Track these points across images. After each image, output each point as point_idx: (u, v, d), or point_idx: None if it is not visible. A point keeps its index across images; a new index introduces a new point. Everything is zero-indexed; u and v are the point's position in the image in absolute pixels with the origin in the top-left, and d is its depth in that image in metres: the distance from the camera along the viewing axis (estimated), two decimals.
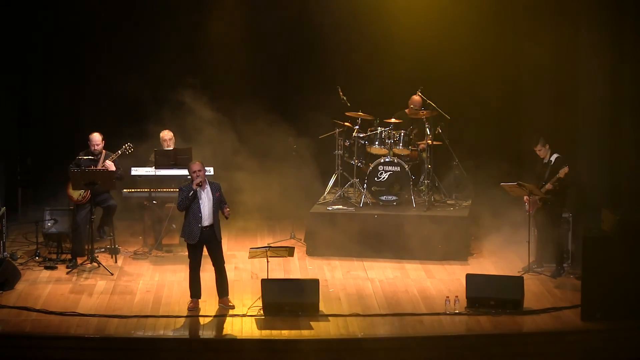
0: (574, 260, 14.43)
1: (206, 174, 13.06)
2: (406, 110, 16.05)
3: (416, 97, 15.94)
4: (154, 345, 12.07)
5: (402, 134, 15.65)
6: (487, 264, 14.79)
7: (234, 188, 15.11)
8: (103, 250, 15.18)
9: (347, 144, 15.96)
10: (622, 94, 14.82)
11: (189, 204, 12.73)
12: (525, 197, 14.18)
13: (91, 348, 12.02)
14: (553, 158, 14.06)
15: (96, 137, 14.71)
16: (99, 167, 14.54)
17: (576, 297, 12.86)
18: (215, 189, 12.88)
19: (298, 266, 14.79)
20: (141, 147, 15.35)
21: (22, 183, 17.34)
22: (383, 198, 15.58)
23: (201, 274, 13.02)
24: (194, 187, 12.69)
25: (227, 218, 13.02)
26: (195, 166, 12.79)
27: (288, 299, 12.70)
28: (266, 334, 12.26)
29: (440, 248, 14.97)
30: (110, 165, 14.53)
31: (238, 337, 12.18)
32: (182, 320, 12.59)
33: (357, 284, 13.98)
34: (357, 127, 15.86)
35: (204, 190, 12.80)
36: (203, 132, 15.97)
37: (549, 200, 13.99)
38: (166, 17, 16.84)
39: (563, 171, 13.76)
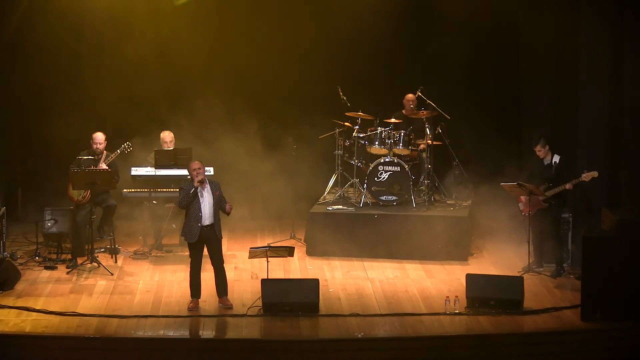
0: (574, 260, 14.43)
1: (206, 173, 13.08)
2: (403, 111, 16.07)
3: (410, 95, 15.96)
4: (154, 345, 12.07)
5: (402, 134, 15.65)
6: (487, 264, 14.78)
7: (234, 188, 15.11)
8: (103, 250, 15.18)
9: (347, 144, 15.96)
10: (622, 94, 14.82)
11: (190, 201, 12.75)
12: (521, 198, 14.18)
13: (91, 348, 12.02)
14: (556, 159, 14.07)
15: (99, 137, 14.72)
16: (99, 167, 14.55)
17: (576, 297, 12.86)
18: (215, 188, 12.91)
19: (298, 266, 14.78)
20: (141, 146, 15.41)
21: (22, 183, 17.33)
22: (383, 198, 15.58)
23: (201, 274, 13.02)
24: (196, 184, 12.71)
25: (228, 214, 13.02)
26: (195, 164, 12.84)
27: (288, 299, 12.70)
28: (266, 334, 12.27)
29: (440, 248, 14.97)
30: (104, 167, 14.52)
31: (238, 337, 12.18)
32: (182, 320, 12.59)
33: (357, 284, 13.97)
34: (357, 127, 15.86)
35: (204, 189, 12.82)
36: (203, 132, 15.99)
37: (554, 201, 14.00)
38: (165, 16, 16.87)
39: (591, 174, 13.72)
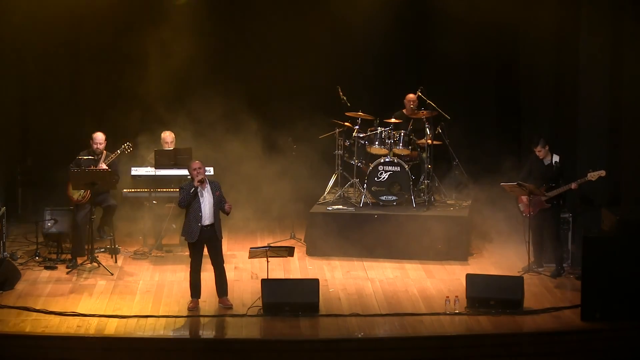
0: (574, 260, 14.43)
1: (206, 173, 13.09)
2: (403, 111, 16.08)
3: (411, 95, 15.96)
4: (154, 345, 12.07)
5: (402, 134, 15.65)
6: (487, 264, 14.78)
7: (234, 188, 15.12)
8: (103, 250, 15.18)
9: (347, 144, 15.96)
10: (622, 94, 14.82)
11: (190, 201, 12.76)
12: (522, 198, 14.17)
13: (91, 348, 12.02)
14: (556, 159, 14.07)
15: (99, 136, 14.73)
16: (99, 167, 14.55)
17: (576, 297, 12.86)
18: (215, 188, 12.91)
19: (298, 266, 14.79)
20: (141, 146, 15.42)
21: (22, 183, 17.33)
22: (383, 198, 15.58)
23: (201, 274, 13.02)
24: (196, 184, 12.72)
25: (227, 214, 13.03)
26: (195, 164, 12.85)
27: (288, 299, 12.70)
28: (266, 334, 12.27)
29: (440, 248, 14.97)
30: (104, 167, 14.51)
31: (238, 337, 12.18)
32: (182, 320, 12.59)
33: (357, 284, 13.97)
34: (357, 127, 15.86)
35: (204, 189, 12.83)
36: (203, 133, 15.99)
37: (556, 201, 14.00)
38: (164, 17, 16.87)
39: (598, 174, 13.70)
